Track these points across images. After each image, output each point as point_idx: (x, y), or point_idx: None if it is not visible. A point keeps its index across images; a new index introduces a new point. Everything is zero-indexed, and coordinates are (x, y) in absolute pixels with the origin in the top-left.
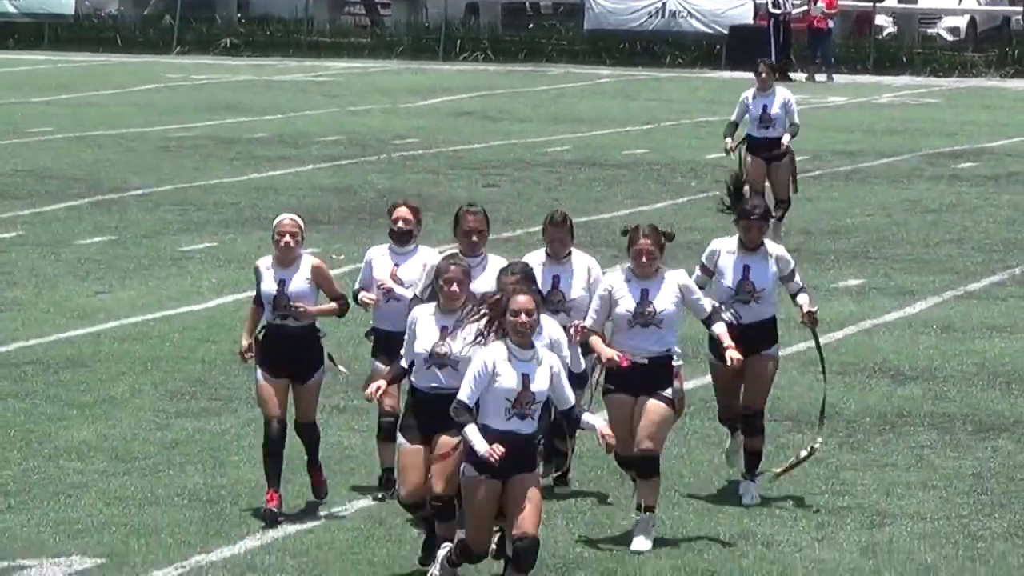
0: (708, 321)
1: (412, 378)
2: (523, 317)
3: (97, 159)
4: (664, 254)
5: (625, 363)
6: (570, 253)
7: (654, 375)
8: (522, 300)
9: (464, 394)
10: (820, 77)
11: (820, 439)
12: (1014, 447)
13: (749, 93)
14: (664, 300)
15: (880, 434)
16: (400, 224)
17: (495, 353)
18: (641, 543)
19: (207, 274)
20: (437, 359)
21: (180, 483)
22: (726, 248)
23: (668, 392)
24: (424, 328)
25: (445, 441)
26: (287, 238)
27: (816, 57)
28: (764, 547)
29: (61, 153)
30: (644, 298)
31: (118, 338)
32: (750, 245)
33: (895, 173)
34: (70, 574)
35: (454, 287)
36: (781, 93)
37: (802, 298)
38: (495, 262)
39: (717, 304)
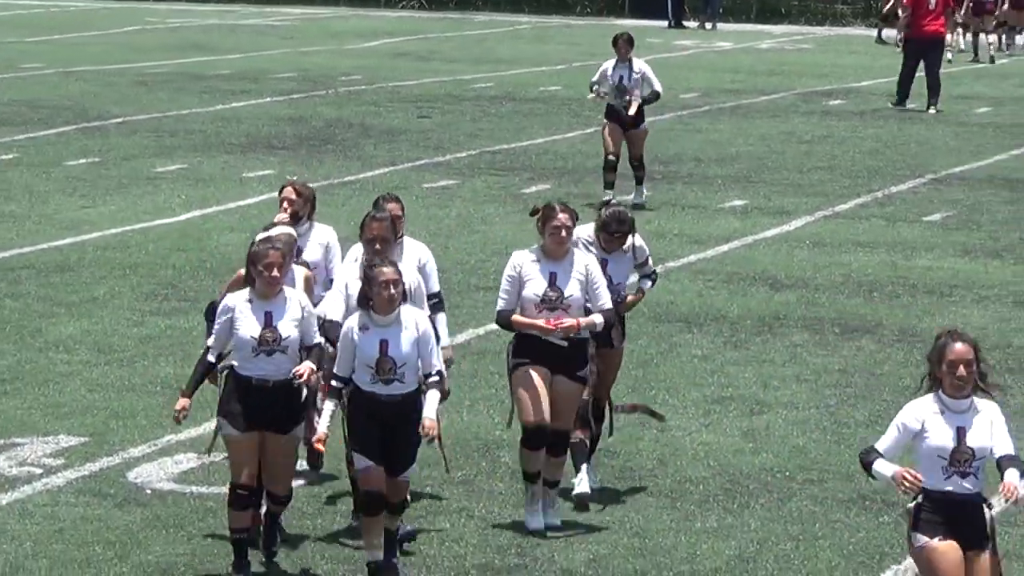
0: (591, 309)
1: (235, 365)
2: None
3: (83, 91)
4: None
5: (552, 327)
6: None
7: (569, 355)
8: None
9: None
10: (708, 25)
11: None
12: (875, 347)
13: (609, 64)
14: (573, 285)
15: (759, 334)
16: (285, 206)
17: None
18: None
19: (178, 192)
20: (267, 346)
21: (153, 373)
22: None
23: (583, 372)
24: (245, 317)
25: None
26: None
27: (707, 8)
28: (658, 431)
29: (51, 86)
30: (552, 282)
31: (100, 247)
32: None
33: (774, 109)
34: (58, 450)
35: (275, 272)
36: (637, 64)
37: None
38: (411, 247)
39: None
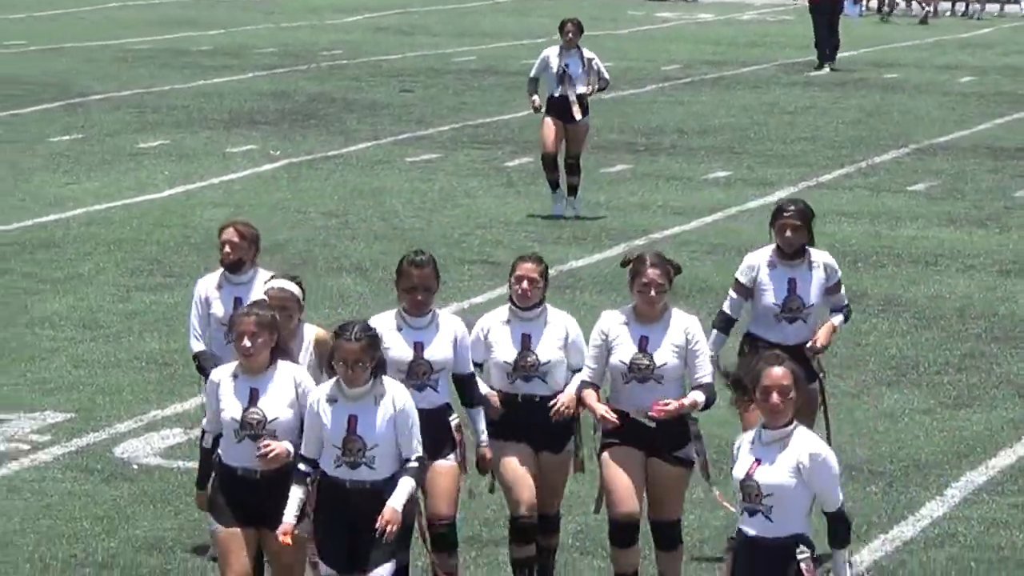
0: (697, 388)
1: (220, 451)
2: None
3: (66, 68)
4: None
5: (611, 422)
6: (543, 304)
7: (665, 435)
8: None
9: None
10: None
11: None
12: (859, 316)
13: (552, 51)
14: (667, 351)
15: None
16: (227, 249)
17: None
18: None
19: (161, 168)
20: (250, 429)
21: (139, 348)
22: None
23: (683, 452)
24: (228, 395)
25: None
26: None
27: None
28: None
29: (33, 62)
30: (643, 347)
31: (84, 223)
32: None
33: (756, 80)
34: (44, 426)
35: (245, 343)
36: (587, 52)
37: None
38: (448, 320)
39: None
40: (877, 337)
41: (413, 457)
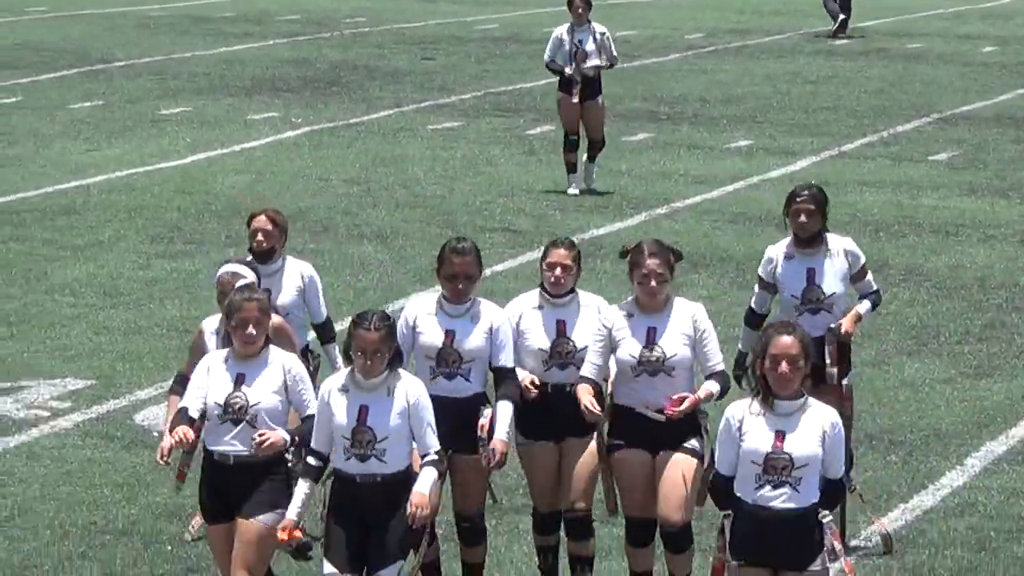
0: (708, 379)
1: (204, 436)
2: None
3: (86, 34)
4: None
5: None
6: (575, 290)
7: (673, 428)
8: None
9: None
10: None
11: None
12: (881, 286)
13: (563, 29)
14: (676, 342)
15: None
16: (259, 238)
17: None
18: None
19: (182, 135)
20: (233, 413)
21: (160, 315)
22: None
23: (692, 444)
24: (216, 378)
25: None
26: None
27: None
28: None
29: (54, 29)
30: (650, 340)
31: (105, 190)
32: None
33: (779, 49)
34: (64, 393)
35: (250, 330)
36: (596, 28)
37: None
38: (488, 310)
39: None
40: (898, 306)
41: (432, 452)
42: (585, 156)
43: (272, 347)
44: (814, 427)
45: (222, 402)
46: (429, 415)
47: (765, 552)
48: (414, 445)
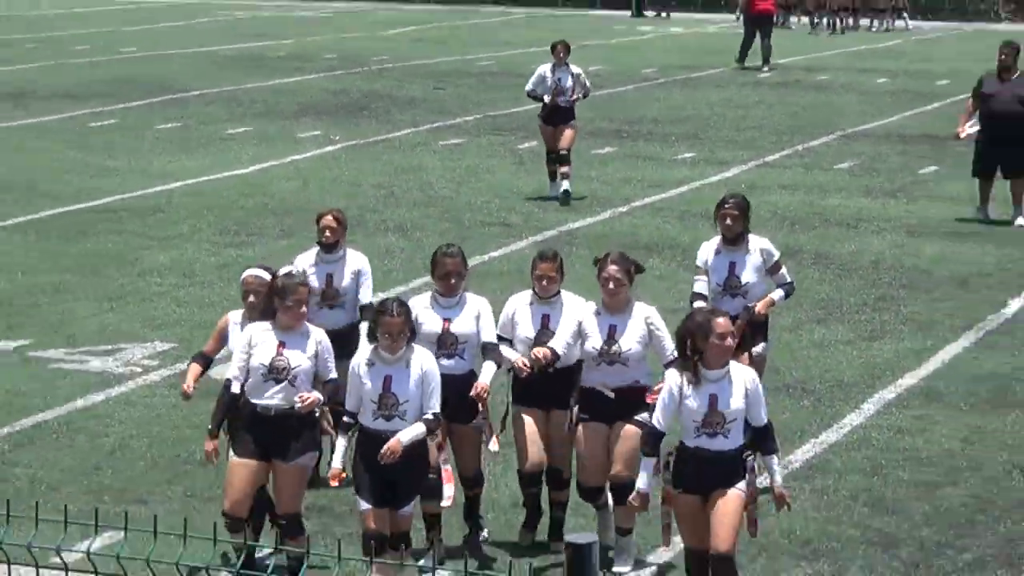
0: (667, 365)
1: (246, 392)
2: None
3: (168, 70)
4: (633, 284)
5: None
6: (559, 292)
7: (625, 403)
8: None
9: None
10: (664, 15)
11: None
12: (797, 267)
13: (546, 67)
14: (632, 338)
15: None
16: (327, 233)
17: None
18: (622, 566)
19: (245, 149)
20: (276, 373)
21: (227, 292)
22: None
23: (640, 417)
24: (262, 344)
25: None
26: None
27: (661, 1)
28: None
29: (143, 65)
30: (611, 335)
31: (185, 193)
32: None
33: (717, 80)
34: (153, 354)
35: (303, 309)
36: (575, 68)
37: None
38: (474, 300)
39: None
40: (809, 284)
41: (431, 412)
42: (560, 177)
43: (307, 323)
44: (739, 386)
45: (267, 363)
46: (436, 382)
47: (700, 484)
48: None
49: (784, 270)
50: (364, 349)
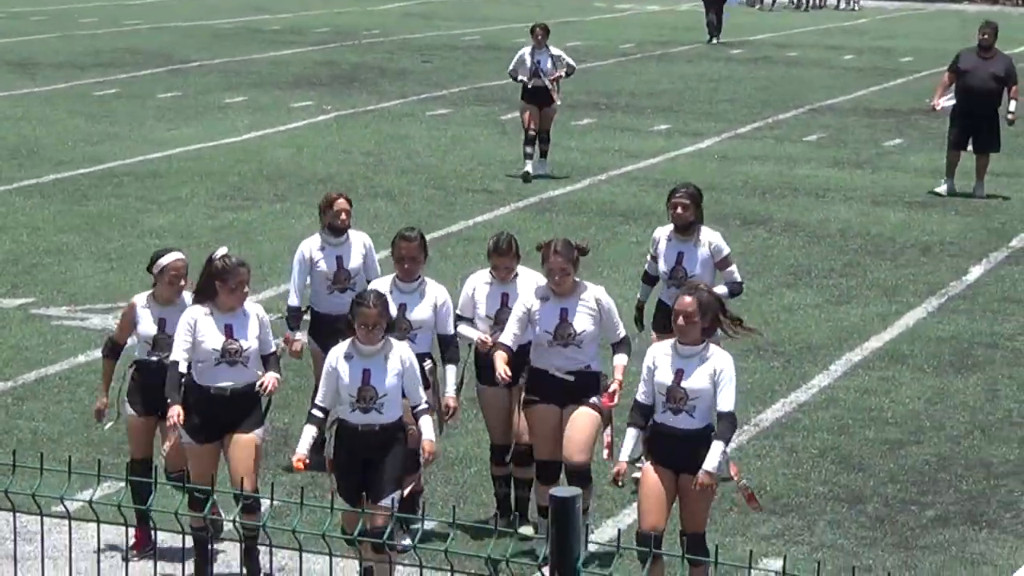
0: (614, 347)
1: (194, 376)
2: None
3: (169, 41)
4: (579, 268)
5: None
6: (516, 275)
7: (580, 387)
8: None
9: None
10: None
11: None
12: (767, 235)
13: (526, 50)
14: (583, 319)
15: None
16: (343, 217)
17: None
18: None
19: (241, 118)
20: (229, 356)
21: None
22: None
23: (595, 400)
24: (207, 329)
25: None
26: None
27: None
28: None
29: (145, 37)
30: (563, 318)
31: (183, 159)
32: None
33: (691, 55)
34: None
35: (246, 290)
36: (555, 50)
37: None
38: (433, 288)
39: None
40: (779, 250)
41: (422, 403)
42: (538, 152)
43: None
44: (707, 369)
45: (219, 348)
46: (418, 373)
47: (667, 458)
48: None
49: (734, 268)
50: (342, 344)
